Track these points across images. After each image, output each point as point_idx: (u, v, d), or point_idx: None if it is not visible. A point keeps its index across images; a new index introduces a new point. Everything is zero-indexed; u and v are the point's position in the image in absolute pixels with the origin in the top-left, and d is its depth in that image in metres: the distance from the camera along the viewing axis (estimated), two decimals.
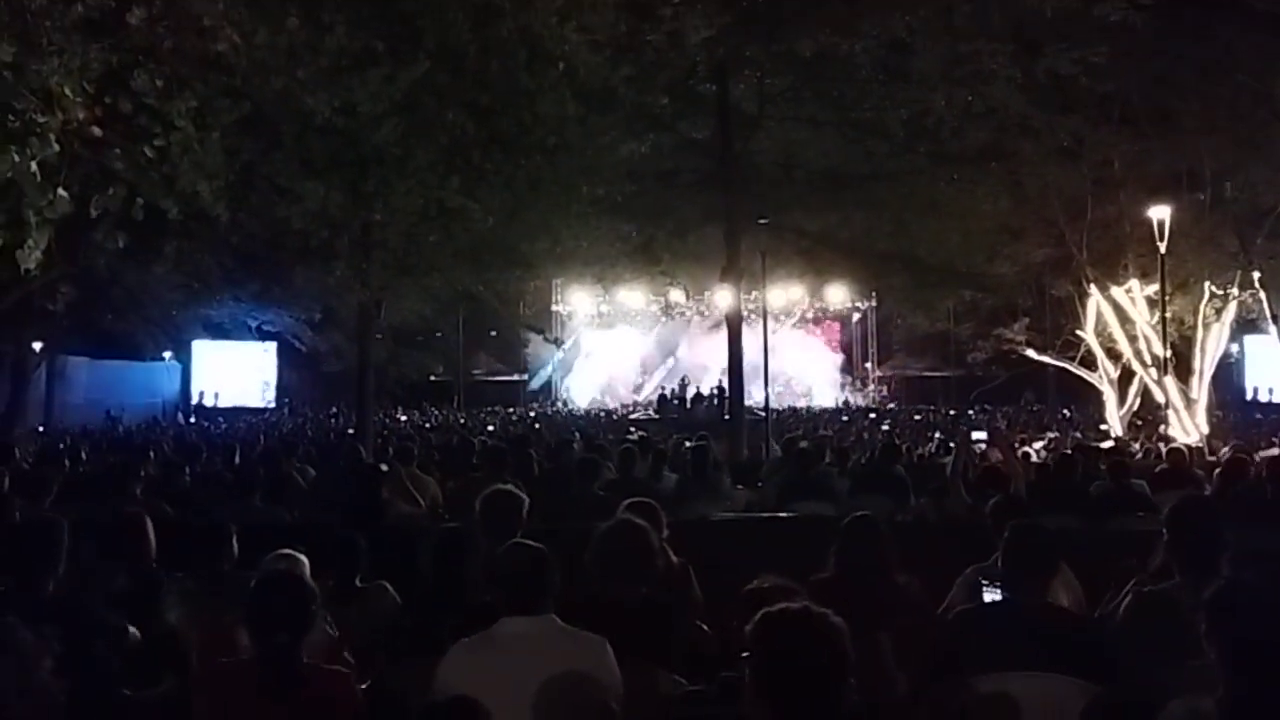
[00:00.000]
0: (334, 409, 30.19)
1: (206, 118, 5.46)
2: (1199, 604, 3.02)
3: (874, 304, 36.24)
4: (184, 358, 35.28)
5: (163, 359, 34.50)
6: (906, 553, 4.68)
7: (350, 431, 16.25)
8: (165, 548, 4.80)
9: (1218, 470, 9.46)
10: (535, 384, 39.47)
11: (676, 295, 35.00)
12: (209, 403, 34.46)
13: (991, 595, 3.95)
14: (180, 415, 32.08)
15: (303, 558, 4.10)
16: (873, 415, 29.38)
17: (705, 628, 4.42)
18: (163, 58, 5.54)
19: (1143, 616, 3.71)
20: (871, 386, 38.44)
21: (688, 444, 10.35)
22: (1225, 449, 12.44)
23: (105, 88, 5.37)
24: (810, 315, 38.35)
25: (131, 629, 3.76)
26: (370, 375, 13.08)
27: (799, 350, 38.27)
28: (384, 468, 8.26)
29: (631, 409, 34.79)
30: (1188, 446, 10.90)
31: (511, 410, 33.60)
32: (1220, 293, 17.64)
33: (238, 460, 11.32)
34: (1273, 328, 17.01)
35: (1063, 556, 4.45)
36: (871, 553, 4.48)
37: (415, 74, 6.17)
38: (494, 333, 35.12)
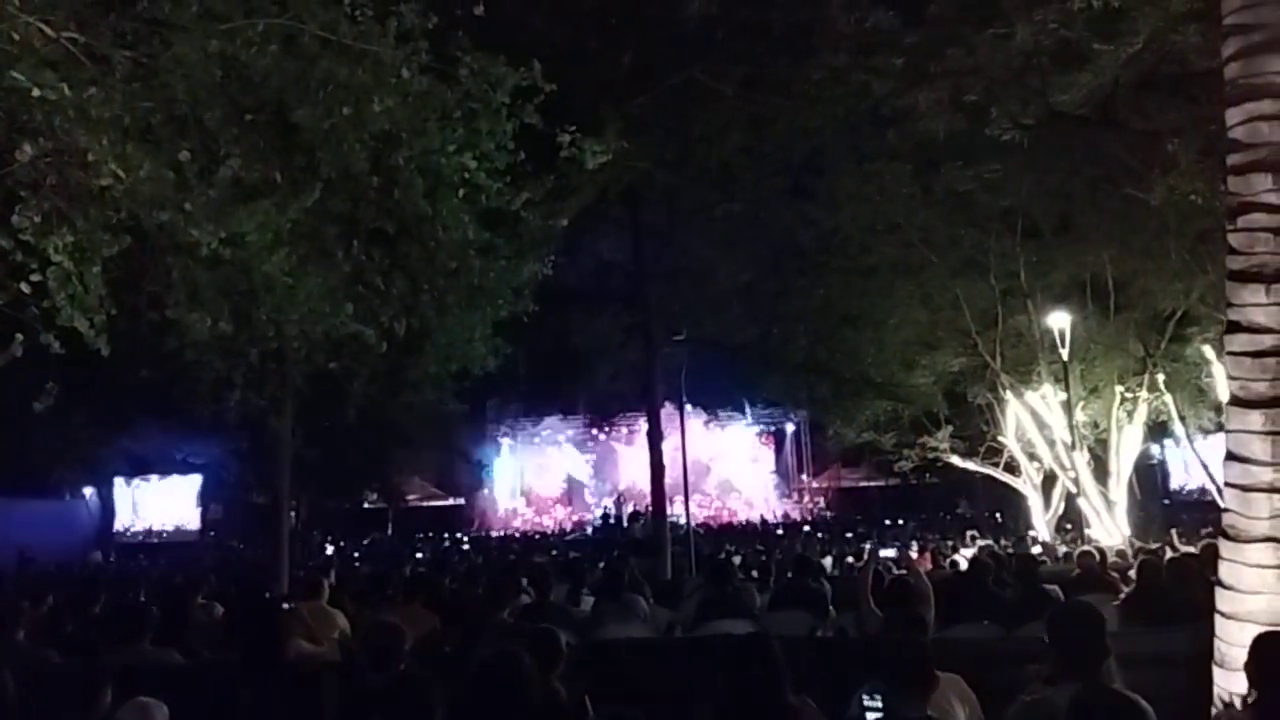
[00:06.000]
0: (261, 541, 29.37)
1: (86, 252, 5.40)
2: None
3: (804, 415, 36.45)
4: (106, 494, 34.27)
5: (83, 496, 33.50)
6: (823, 670, 4.57)
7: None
8: (39, 697, 4.60)
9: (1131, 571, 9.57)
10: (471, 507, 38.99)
11: (601, 412, 35.21)
12: (130, 538, 33.46)
13: (874, 712, 3.89)
14: (100, 553, 30.95)
15: (158, 705, 3.92)
16: (807, 528, 29.31)
17: None
18: (44, 193, 5.49)
19: None
20: (808, 498, 38.38)
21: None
22: (1141, 546, 12.63)
23: None
24: (740, 428, 38.49)
25: None
26: (285, 505, 12.75)
27: (733, 463, 38.27)
28: (286, 605, 8.00)
29: (571, 529, 34.41)
30: (1099, 550, 10.99)
31: (445, 536, 33.03)
32: (1130, 396, 18.07)
33: (143, 599, 10.92)
34: (1180, 428, 17.44)
35: (967, 666, 4.40)
36: (762, 673, 4.37)
37: (306, 202, 6.17)
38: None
